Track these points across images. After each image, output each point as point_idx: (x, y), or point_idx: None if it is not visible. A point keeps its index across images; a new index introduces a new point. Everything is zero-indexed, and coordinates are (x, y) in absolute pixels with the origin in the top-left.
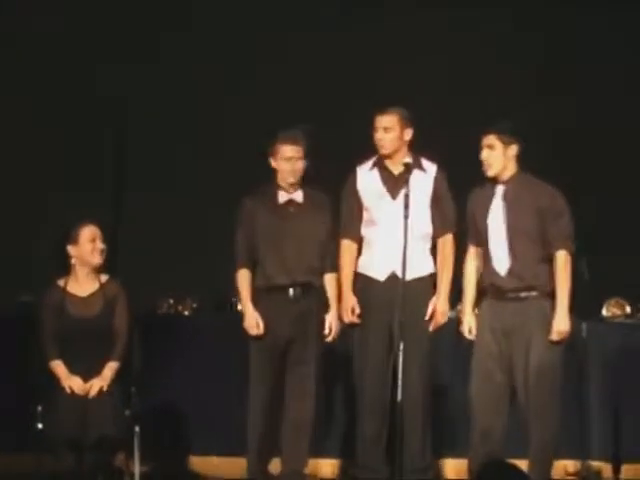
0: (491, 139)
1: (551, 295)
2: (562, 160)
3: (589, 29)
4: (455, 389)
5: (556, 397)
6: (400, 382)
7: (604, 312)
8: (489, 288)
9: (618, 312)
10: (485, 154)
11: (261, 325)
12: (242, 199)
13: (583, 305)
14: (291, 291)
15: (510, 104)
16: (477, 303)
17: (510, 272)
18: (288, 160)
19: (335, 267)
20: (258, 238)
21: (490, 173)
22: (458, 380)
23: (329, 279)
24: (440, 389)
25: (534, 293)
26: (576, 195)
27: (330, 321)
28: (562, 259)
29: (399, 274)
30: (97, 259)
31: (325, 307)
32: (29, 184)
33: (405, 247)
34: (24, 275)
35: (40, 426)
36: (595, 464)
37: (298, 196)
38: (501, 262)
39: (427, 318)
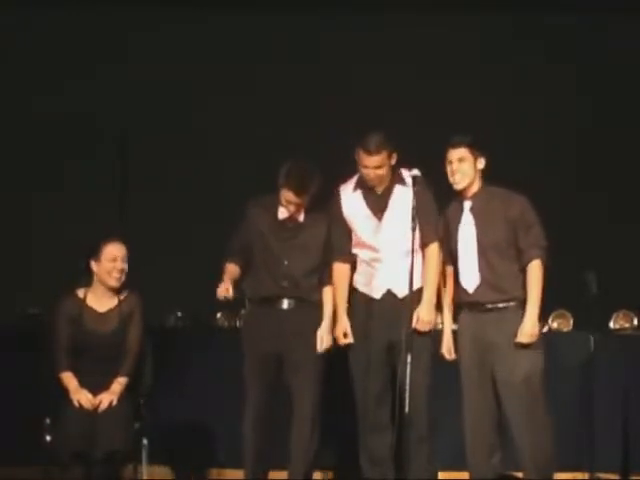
0: (462, 152)
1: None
2: (568, 173)
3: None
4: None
5: (548, 409)
6: (407, 394)
7: (612, 325)
8: (465, 304)
9: (626, 325)
10: (455, 167)
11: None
12: (248, 201)
13: (591, 318)
14: (285, 303)
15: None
16: (455, 317)
17: (484, 286)
18: (287, 203)
19: (331, 281)
20: (254, 247)
21: (460, 186)
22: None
23: (326, 292)
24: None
25: (512, 304)
26: (586, 207)
27: (321, 334)
28: (537, 268)
29: (394, 291)
30: (113, 281)
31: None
32: (35, 193)
33: (413, 259)
34: (31, 287)
35: (48, 438)
36: (603, 476)
37: (299, 215)
38: (471, 277)
39: (413, 326)
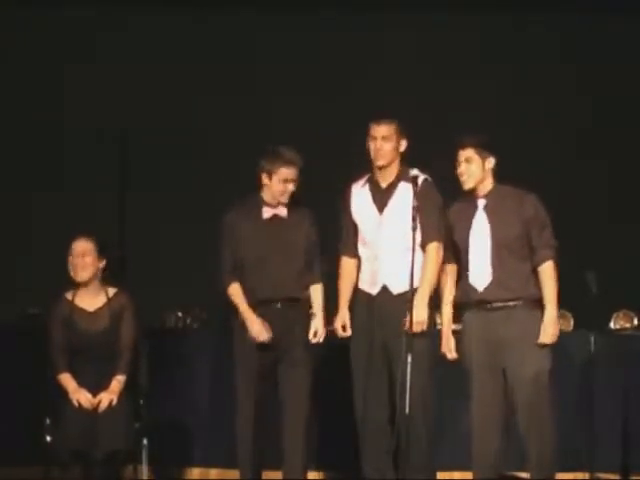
0: (469, 152)
1: (537, 304)
2: (568, 173)
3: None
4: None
5: (553, 407)
6: (408, 394)
7: (612, 324)
8: (471, 302)
9: (626, 324)
10: (463, 168)
11: (269, 330)
12: (223, 216)
13: (591, 318)
14: (278, 305)
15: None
16: (455, 318)
17: (494, 284)
18: (285, 182)
19: (320, 278)
20: (242, 253)
21: (467, 186)
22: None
23: (314, 290)
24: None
25: (520, 302)
26: (586, 207)
27: (316, 327)
28: (550, 269)
29: (390, 287)
30: (77, 276)
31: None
32: (35, 193)
33: (413, 259)
34: (31, 287)
35: (48, 439)
36: (603, 476)
37: (282, 211)
38: (483, 275)
39: (405, 327)
